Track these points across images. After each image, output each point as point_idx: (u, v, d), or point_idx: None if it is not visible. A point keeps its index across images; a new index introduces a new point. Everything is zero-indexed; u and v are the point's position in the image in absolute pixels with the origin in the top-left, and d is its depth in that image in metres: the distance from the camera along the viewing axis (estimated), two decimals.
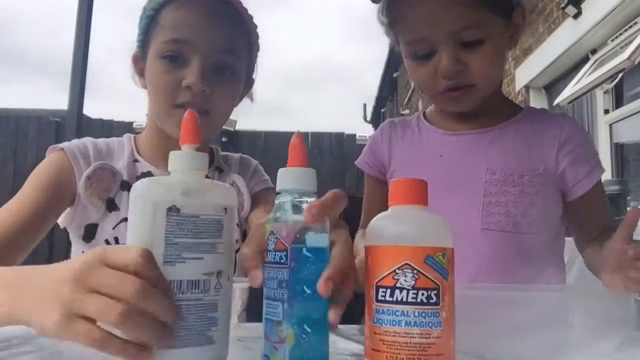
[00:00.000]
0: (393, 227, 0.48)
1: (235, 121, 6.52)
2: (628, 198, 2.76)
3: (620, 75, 3.33)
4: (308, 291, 0.45)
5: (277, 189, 0.48)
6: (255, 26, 1.00)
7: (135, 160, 1.00)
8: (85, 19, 2.24)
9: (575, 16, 3.58)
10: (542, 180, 0.94)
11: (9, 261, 0.83)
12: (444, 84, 0.90)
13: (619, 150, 3.66)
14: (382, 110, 12.40)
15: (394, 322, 0.45)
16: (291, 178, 0.48)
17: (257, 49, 1.03)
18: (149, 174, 0.98)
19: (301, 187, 0.48)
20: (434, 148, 1.01)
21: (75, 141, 1.00)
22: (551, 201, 0.97)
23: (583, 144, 0.97)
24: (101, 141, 1.02)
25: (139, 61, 0.98)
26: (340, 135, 6.56)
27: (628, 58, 2.91)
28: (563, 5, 3.65)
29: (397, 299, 0.45)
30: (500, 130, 0.98)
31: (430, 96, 0.97)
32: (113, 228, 0.93)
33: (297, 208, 0.47)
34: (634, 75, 3.40)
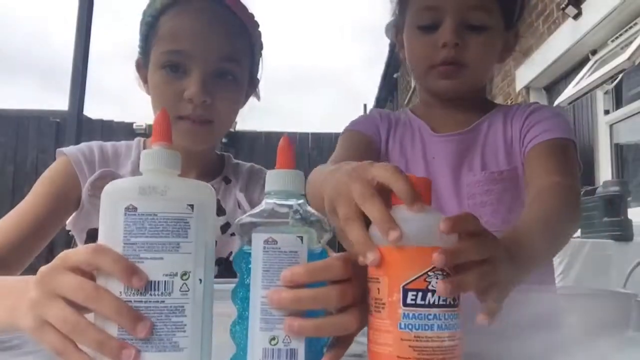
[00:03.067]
0: (422, 226, 0.45)
1: (236, 122, 6.52)
2: (628, 199, 2.76)
3: (620, 75, 3.33)
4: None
5: (265, 190, 0.49)
6: (257, 25, 0.99)
7: None
8: (85, 19, 2.24)
9: (576, 17, 3.59)
10: (519, 172, 0.94)
11: (13, 267, 0.84)
12: (442, 56, 0.91)
13: (619, 151, 3.66)
14: None
15: (427, 327, 0.43)
16: (277, 180, 0.49)
17: (261, 48, 1.02)
18: None
19: (288, 189, 0.48)
20: (425, 149, 1.00)
21: (82, 145, 0.99)
22: None
23: (550, 116, 0.93)
24: (109, 145, 1.01)
25: (142, 67, 0.97)
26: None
27: (628, 59, 2.91)
28: (563, 5, 3.65)
29: (429, 302, 0.43)
30: (476, 131, 0.98)
31: (423, 70, 0.95)
32: None
33: (280, 211, 0.48)
34: (634, 76, 3.40)
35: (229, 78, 0.93)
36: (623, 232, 2.53)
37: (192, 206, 0.45)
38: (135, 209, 0.44)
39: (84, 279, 0.43)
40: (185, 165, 1.05)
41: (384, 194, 0.46)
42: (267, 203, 0.49)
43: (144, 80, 0.97)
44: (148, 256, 0.44)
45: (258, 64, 1.03)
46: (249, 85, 1.01)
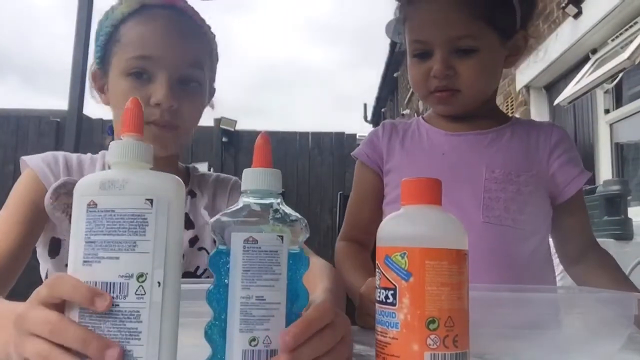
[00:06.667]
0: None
1: (236, 121, 6.53)
2: (628, 198, 2.76)
3: (620, 75, 3.33)
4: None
5: (242, 188, 0.48)
6: (214, 35, 1.00)
7: None
8: (85, 19, 2.24)
9: (576, 16, 3.58)
10: (535, 180, 1.00)
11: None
12: (435, 84, 0.97)
13: (619, 150, 3.66)
14: (383, 110, 12.40)
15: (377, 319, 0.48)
16: (255, 179, 0.48)
17: (217, 59, 1.03)
18: None
19: (265, 187, 0.47)
20: (435, 146, 1.05)
21: (47, 154, 0.97)
22: (543, 203, 1.02)
23: (571, 150, 1.05)
24: (74, 156, 0.99)
25: (98, 78, 0.97)
26: (340, 135, 6.55)
27: (628, 58, 2.90)
28: (563, 5, 3.64)
29: (376, 297, 0.48)
30: (497, 133, 1.04)
31: (422, 95, 1.02)
32: None
33: (257, 210, 0.47)
34: (634, 75, 3.39)
35: (194, 84, 0.93)
36: (623, 231, 2.53)
37: (151, 201, 0.42)
38: (95, 205, 0.42)
39: (49, 312, 0.42)
40: None
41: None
42: (243, 202, 0.47)
43: (100, 90, 0.97)
44: (105, 255, 0.42)
45: (215, 73, 1.04)
46: (208, 93, 1.01)
